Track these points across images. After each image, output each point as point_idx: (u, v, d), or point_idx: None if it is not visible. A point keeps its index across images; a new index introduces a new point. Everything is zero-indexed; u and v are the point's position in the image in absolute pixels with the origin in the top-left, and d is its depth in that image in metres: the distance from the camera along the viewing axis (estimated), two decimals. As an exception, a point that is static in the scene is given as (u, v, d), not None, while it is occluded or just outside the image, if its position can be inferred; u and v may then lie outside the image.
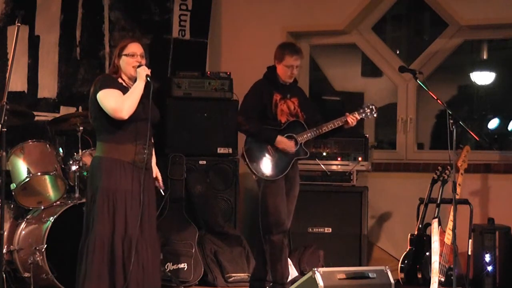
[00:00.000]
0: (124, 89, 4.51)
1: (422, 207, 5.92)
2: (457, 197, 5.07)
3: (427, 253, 5.64)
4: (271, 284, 5.54)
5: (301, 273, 6.12)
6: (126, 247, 4.42)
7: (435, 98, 5.19)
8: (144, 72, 4.50)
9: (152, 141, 4.72)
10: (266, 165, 5.39)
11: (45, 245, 5.28)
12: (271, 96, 5.45)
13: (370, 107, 5.53)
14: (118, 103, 4.42)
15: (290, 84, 5.53)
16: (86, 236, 4.50)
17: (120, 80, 4.58)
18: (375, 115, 5.57)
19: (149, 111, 4.51)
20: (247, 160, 5.41)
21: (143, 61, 4.58)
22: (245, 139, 5.48)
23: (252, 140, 5.43)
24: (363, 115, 5.51)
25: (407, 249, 5.83)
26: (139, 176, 4.50)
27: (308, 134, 5.43)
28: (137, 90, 4.47)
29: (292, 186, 5.51)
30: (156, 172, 4.76)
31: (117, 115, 4.42)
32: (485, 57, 7.67)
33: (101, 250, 4.41)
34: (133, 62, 4.54)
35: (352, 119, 5.42)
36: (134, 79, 4.54)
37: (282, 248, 5.46)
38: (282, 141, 5.37)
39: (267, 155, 5.39)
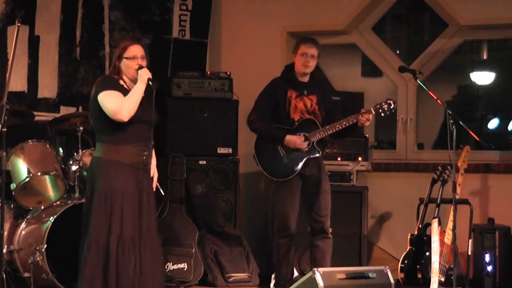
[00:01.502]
0: (125, 91, 4.50)
1: (422, 207, 5.92)
2: (457, 197, 5.06)
3: (427, 253, 5.64)
4: (272, 284, 5.56)
5: (301, 273, 6.12)
6: (120, 248, 4.41)
7: (435, 98, 5.18)
8: (146, 75, 4.48)
9: (152, 142, 4.72)
10: (276, 166, 5.34)
11: (45, 245, 5.28)
12: (285, 93, 5.36)
13: (388, 102, 5.32)
14: (118, 105, 4.42)
15: (309, 81, 5.45)
16: (84, 237, 4.50)
17: (121, 82, 4.58)
18: (393, 111, 5.35)
19: (152, 114, 4.49)
20: (257, 161, 5.37)
21: (144, 63, 4.56)
22: (255, 139, 5.44)
23: (263, 140, 5.39)
24: (380, 110, 5.31)
25: (407, 249, 5.84)
26: (138, 178, 4.51)
27: (321, 133, 5.32)
28: (137, 92, 4.47)
29: (317, 184, 5.39)
30: (153, 172, 4.74)
31: (117, 117, 4.42)
32: (485, 57, 7.68)
33: (96, 252, 4.40)
34: (134, 65, 4.53)
35: (367, 115, 5.27)
36: (135, 81, 4.53)
37: (287, 252, 5.45)
38: (291, 140, 5.30)
39: (278, 155, 5.34)
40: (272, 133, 5.35)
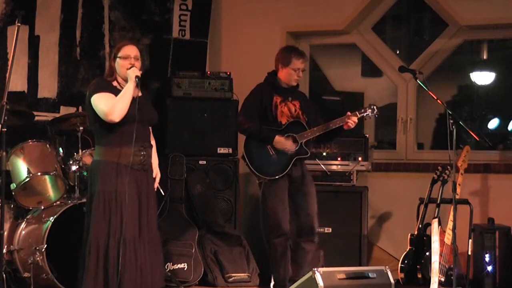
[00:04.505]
0: (118, 92, 4.52)
1: (422, 207, 5.93)
2: (457, 197, 5.07)
3: (427, 253, 5.64)
4: (272, 284, 5.56)
5: (301, 273, 6.12)
6: (122, 249, 4.41)
7: (435, 98, 5.19)
8: (133, 73, 4.50)
9: (153, 142, 4.73)
10: (266, 165, 5.40)
11: (45, 245, 5.28)
12: (271, 98, 5.47)
13: (371, 107, 5.53)
14: (109, 106, 4.44)
15: (292, 87, 5.55)
16: (85, 239, 4.51)
17: (115, 83, 4.59)
18: (376, 115, 5.56)
19: (136, 113, 4.48)
20: (247, 160, 5.42)
21: (137, 64, 4.57)
22: (245, 140, 5.49)
23: (252, 141, 5.44)
24: (364, 114, 5.50)
25: (407, 249, 5.84)
26: (136, 178, 4.51)
27: (308, 134, 5.44)
28: (127, 92, 4.48)
29: (302, 187, 5.48)
30: (156, 173, 4.76)
31: (108, 118, 4.44)
32: (485, 57, 7.67)
33: (96, 253, 4.42)
34: (126, 64, 4.55)
35: (352, 119, 5.40)
36: (127, 80, 4.54)
37: (284, 251, 5.46)
38: (280, 141, 5.38)
39: (267, 154, 5.40)
40: (262, 132, 5.41)
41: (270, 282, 5.64)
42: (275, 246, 5.44)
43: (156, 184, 4.76)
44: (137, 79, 4.48)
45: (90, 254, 4.42)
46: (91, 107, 4.53)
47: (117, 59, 4.58)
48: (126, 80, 4.55)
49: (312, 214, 5.50)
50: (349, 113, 5.45)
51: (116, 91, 4.52)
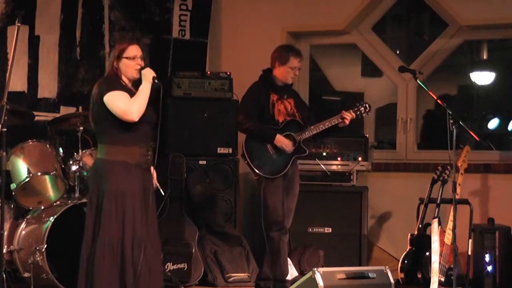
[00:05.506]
0: (129, 91, 4.49)
1: (422, 207, 5.92)
2: (457, 197, 5.07)
3: (427, 253, 5.64)
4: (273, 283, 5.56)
5: (301, 273, 6.12)
6: (135, 248, 4.39)
7: (435, 98, 5.19)
8: (150, 74, 4.47)
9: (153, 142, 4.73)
10: (266, 164, 5.42)
11: (45, 245, 5.28)
12: (268, 96, 5.51)
13: (364, 105, 5.59)
14: (127, 105, 4.40)
15: (285, 85, 5.58)
16: (91, 240, 4.42)
17: (122, 83, 4.57)
18: (368, 114, 5.63)
19: (156, 114, 4.51)
20: (247, 158, 5.44)
21: (143, 63, 4.56)
22: (245, 138, 5.51)
23: (252, 139, 5.46)
24: (357, 113, 5.55)
25: (407, 249, 5.84)
26: (143, 178, 4.50)
27: (306, 133, 5.49)
28: (144, 92, 4.45)
29: (292, 184, 5.55)
30: (152, 171, 4.74)
31: (127, 118, 4.39)
32: (485, 57, 7.67)
33: (111, 254, 4.36)
34: (134, 65, 4.51)
35: (347, 117, 5.46)
36: (134, 81, 4.52)
37: (281, 245, 5.48)
38: (281, 140, 5.42)
39: (266, 153, 5.43)
40: (263, 131, 5.45)
41: (259, 279, 5.60)
42: (272, 239, 5.47)
43: (155, 181, 4.75)
44: (154, 80, 4.47)
45: (104, 256, 4.34)
46: (100, 105, 4.44)
47: (123, 60, 4.52)
48: (132, 80, 4.54)
49: (291, 215, 5.58)
50: (343, 111, 5.50)
51: (127, 90, 4.48)
